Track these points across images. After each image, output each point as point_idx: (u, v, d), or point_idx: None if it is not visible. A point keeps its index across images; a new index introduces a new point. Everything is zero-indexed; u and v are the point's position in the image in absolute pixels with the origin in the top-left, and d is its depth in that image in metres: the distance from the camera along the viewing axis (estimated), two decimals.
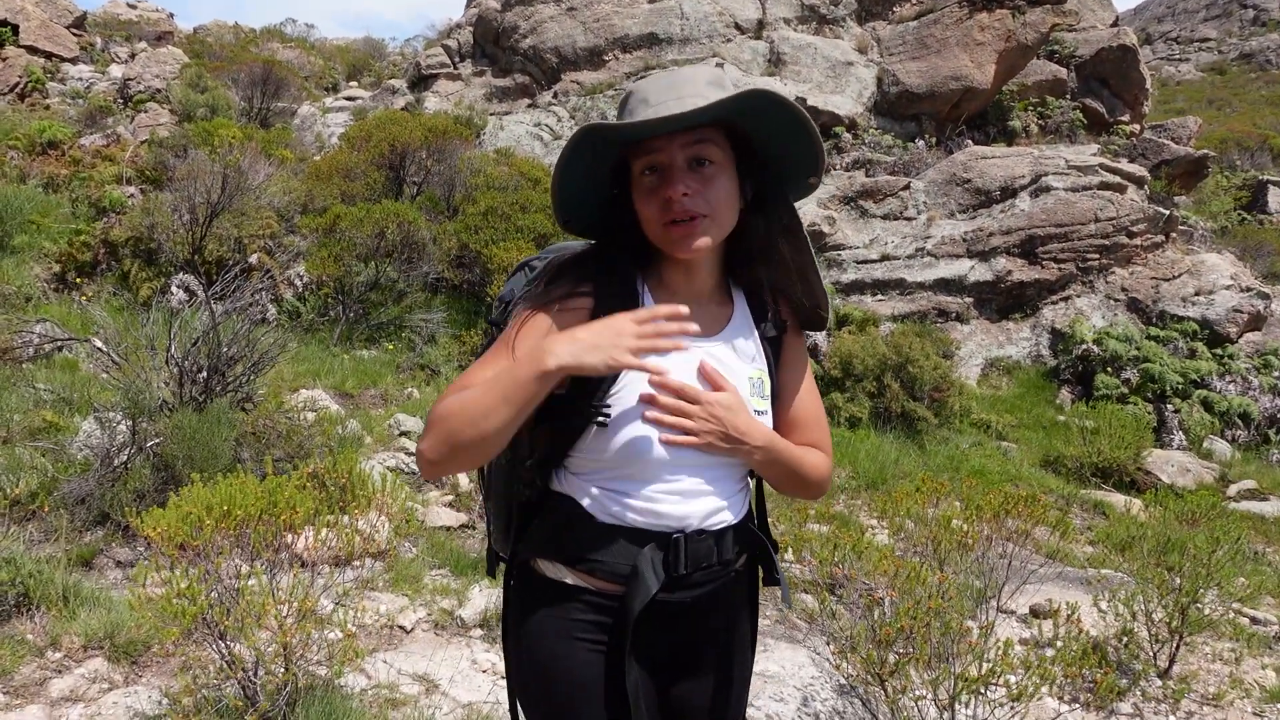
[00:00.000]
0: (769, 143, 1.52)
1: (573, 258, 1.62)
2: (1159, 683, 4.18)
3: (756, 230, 1.58)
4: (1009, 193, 11.76)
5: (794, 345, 1.71)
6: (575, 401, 1.50)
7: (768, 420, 1.61)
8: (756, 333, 1.65)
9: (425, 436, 1.45)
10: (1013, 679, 3.01)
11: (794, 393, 1.70)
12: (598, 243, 1.63)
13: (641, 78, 1.57)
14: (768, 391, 1.63)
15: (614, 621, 1.53)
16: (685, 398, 1.48)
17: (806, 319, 1.74)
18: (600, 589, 1.55)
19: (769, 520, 1.80)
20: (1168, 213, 12.00)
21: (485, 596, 4.45)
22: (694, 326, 1.45)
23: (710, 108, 1.40)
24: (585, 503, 1.53)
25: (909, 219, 11.89)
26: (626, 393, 1.50)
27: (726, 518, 1.58)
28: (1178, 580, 4.18)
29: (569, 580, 1.57)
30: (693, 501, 1.53)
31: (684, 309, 1.40)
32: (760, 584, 1.75)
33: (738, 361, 1.60)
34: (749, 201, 1.56)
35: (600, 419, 1.49)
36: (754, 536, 1.66)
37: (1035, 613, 4.81)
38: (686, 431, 1.48)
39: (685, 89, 1.45)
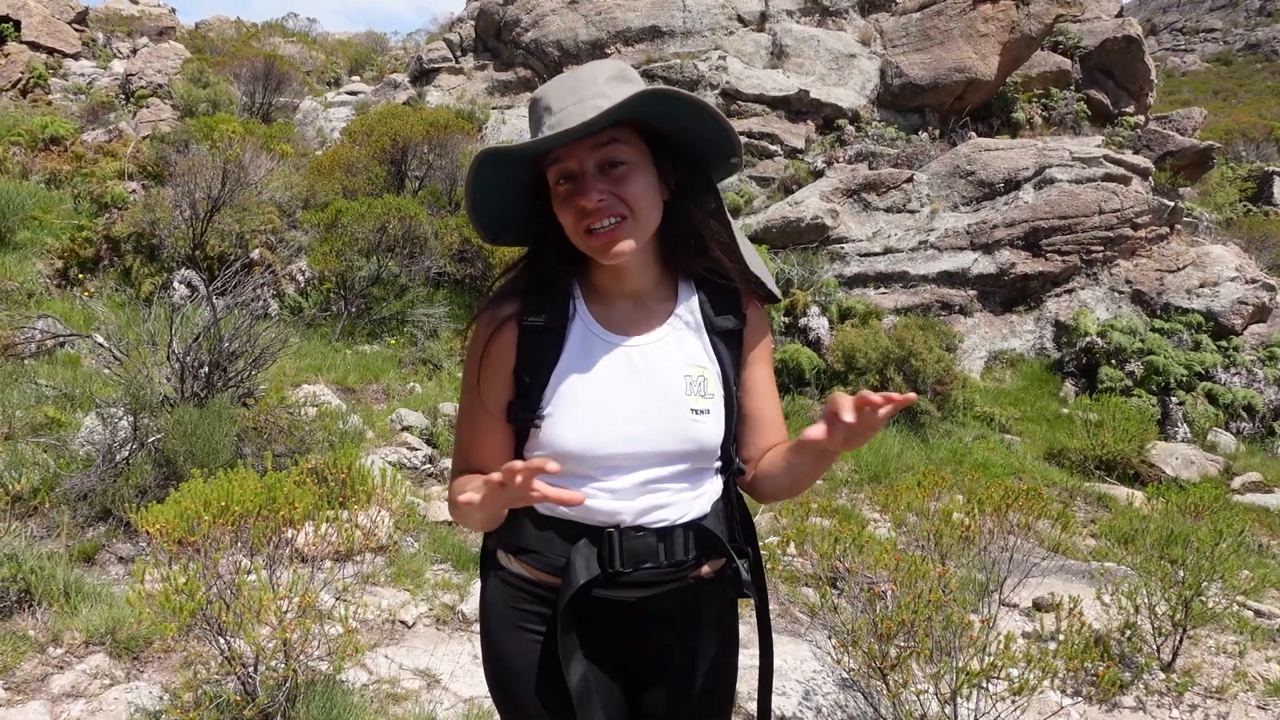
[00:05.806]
0: (680, 131, 1.50)
1: (505, 270, 1.62)
2: (1162, 676, 4.17)
3: (686, 218, 1.55)
4: (1013, 185, 11.71)
5: (757, 340, 1.66)
6: (517, 405, 1.55)
7: (711, 419, 1.57)
8: (705, 327, 1.61)
9: (449, 505, 1.62)
10: (1015, 672, 3.00)
11: (759, 391, 1.66)
12: (528, 249, 1.61)
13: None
14: (711, 389, 1.58)
15: (554, 613, 1.56)
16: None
17: (762, 298, 1.69)
18: (540, 580, 1.59)
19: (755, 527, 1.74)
20: (1172, 204, 11.94)
21: None
22: (553, 466, 1.33)
23: (600, 118, 1.38)
24: None
25: (912, 211, 11.84)
26: (558, 397, 1.52)
27: (667, 515, 1.55)
28: (1181, 573, 4.16)
29: (516, 570, 1.62)
30: (624, 498, 1.53)
31: (553, 466, 1.30)
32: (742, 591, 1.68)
33: (674, 359, 1.58)
34: (674, 191, 1.53)
35: (535, 423, 1.53)
36: (717, 541, 1.59)
37: (1038, 606, 4.80)
38: None
39: (585, 90, 1.43)
